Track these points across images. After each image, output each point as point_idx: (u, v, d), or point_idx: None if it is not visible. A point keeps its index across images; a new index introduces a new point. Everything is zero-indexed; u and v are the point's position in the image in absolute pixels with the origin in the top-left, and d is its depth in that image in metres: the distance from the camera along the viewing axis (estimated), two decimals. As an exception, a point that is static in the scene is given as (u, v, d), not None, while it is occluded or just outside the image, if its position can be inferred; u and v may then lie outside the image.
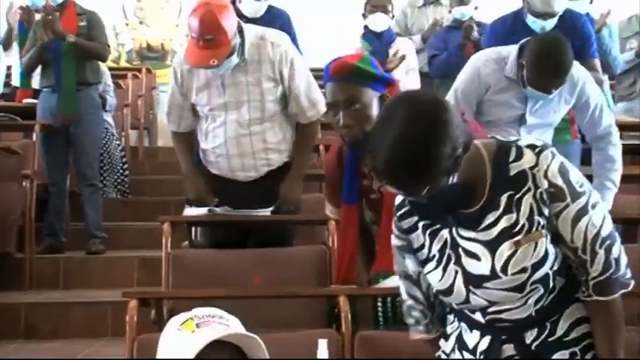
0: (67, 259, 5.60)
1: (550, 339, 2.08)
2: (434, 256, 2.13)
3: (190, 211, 4.01)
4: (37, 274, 5.41)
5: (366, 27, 5.98)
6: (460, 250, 2.09)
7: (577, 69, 3.93)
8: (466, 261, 2.08)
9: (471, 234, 2.07)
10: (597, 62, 4.85)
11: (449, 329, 2.26)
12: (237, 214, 3.96)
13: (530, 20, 4.57)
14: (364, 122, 2.86)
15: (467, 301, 2.10)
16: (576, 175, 2.04)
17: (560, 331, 2.09)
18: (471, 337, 2.17)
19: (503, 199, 2.03)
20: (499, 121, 4.01)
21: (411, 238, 2.18)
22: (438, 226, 2.13)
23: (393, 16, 6.20)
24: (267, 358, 1.95)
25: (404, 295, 2.30)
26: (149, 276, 4.94)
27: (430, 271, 2.14)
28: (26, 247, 5.42)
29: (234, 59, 3.72)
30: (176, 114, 3.96)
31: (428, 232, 2.14)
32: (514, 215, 2.03)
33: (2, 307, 4.90)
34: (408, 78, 5.79)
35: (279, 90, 3.85)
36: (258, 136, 3.86)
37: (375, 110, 2.90)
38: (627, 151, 5.68)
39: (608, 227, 2.05)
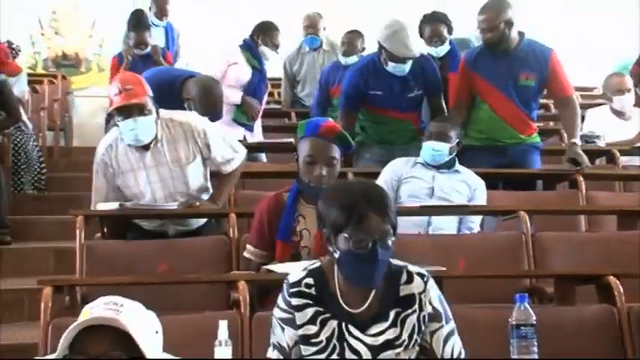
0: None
1: None
2: (321, 341, 2.38)
3: (102, 206, 4.16)
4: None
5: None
6: (345, 344, 2.38)
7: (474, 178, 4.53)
8: (349, 357, 2.37)
9: (359, 334, 2.37)
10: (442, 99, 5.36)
11: None
12: (145, 207, 4.13)
13: (391, 66, 4.98)
14: (334, 177, 3.44)
15: None
16: (446, 303, 2.42)
17: None
18: None
19: (392, 313, 2.39)
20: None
21: (296, 315, 2.41)
22: (328, 315, 2.38)
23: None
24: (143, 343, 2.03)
25: None
26: (64, 266, 5.00)
27: (312, 355, 2.39)
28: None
29: (152, 123, 4.02)
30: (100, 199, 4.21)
31: (319, 319, 2.39)
32: (398, 330, 2.38)
33: None
34: None
35: (198, 160, 4.17)
36: (184, 198, 4.21)
37: None
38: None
39: (460, 342, 2.46)
